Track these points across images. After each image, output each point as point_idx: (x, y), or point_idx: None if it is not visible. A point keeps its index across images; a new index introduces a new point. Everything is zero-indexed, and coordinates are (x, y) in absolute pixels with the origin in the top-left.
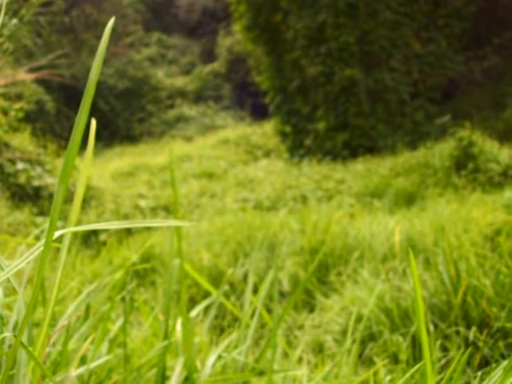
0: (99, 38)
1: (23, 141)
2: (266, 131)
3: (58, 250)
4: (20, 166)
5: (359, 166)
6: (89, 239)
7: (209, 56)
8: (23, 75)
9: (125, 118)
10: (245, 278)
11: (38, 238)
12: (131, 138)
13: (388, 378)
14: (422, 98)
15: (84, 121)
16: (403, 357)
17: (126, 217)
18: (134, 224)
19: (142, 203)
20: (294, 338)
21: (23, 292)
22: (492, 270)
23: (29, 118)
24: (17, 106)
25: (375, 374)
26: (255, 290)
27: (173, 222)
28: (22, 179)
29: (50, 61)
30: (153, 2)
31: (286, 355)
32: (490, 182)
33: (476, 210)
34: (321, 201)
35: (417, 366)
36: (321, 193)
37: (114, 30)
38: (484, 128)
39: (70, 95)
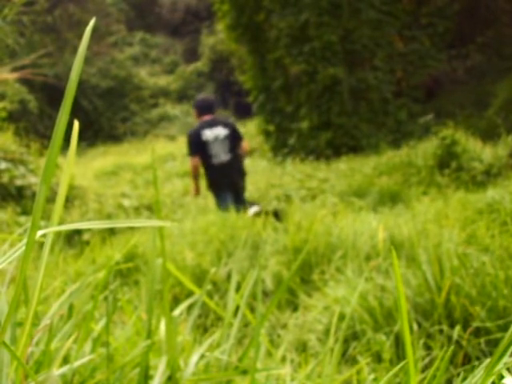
0: (82, 37)
1: (6, 140)
2: (249, 130)
3: (40, 249)
4: (3, 165)
5: (342, 165)
6: (72, 239)
7: (192, 55)
8: (6, 75)
9: (108, 118)
10: (228, 277)
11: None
12: (114, 138)
13: (371, 376)
14: (405, 96)
15: (65, 120)
16: (386, 356)
17: (109, 216)
18: (117, 224)
19: (126, 202)
20: (278, 337)
21: (6, 291)
22: (472, 269)
23: (12, 117)
24: None
25: (358, 372)
26: (238, 289)
27: (156, 222)
28: (5, 179)
29: (32, 60)
30: (136, 1)
31: (269, 354)
32: (472, 180)
33: (460, 208)
34: (304, 200)
35: (400, 365)
36: (304, 192)
37: (96, 29)
38: (467, 127)
39: (52, 94)
